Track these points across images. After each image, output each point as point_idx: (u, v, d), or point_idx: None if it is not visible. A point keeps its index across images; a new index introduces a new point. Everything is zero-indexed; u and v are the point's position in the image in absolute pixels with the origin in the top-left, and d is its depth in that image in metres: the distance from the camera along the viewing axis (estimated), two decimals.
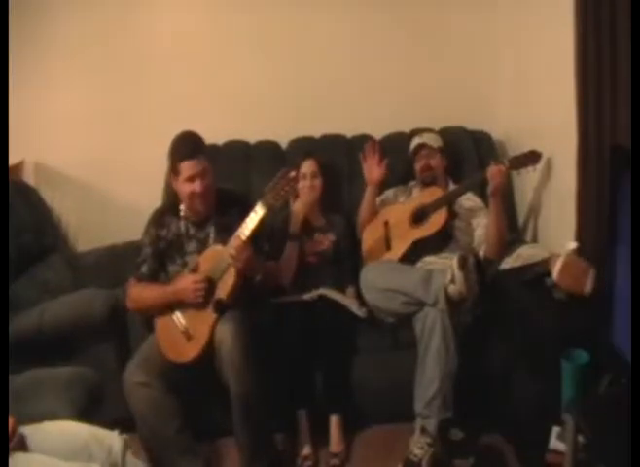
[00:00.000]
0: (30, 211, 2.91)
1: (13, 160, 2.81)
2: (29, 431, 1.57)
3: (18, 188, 2.90)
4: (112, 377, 2.20)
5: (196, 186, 2.23)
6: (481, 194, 2.75)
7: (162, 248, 2.35)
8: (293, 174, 2.20)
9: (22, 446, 1.53)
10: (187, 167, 2.22)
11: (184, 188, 2.25)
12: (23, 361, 2.02)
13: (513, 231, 2.92)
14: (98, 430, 1.66)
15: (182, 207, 2.36)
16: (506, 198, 2.66)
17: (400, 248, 2.67)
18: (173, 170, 2.27)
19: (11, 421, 1.50)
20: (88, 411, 1.91)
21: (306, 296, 2.61)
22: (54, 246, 3.03)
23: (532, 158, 2.56)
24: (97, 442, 1.61)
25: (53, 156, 3.19)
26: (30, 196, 3.00)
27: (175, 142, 2.28)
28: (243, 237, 2.17)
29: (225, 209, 2.34)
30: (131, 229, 2.73)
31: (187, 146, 2.26)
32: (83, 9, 3.04)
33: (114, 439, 1.65)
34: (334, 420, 2.38)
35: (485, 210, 2.69)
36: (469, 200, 2.75)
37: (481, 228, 2.66)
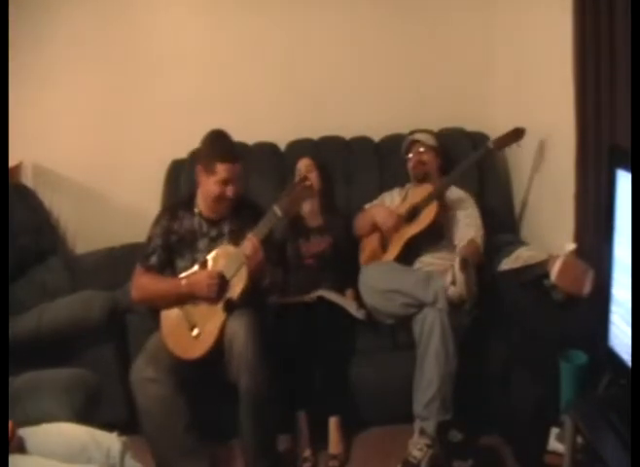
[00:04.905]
0: (28, 213, 2.90)
1: (11, 162, 2.80)
2: (28, 433, 1.57)
3: (17, 190, 2.90)
4: (111, 378, 2.20)
5: (228, 191, 2.23)
6: (471, 184, 2.81)
7: (173, 241, 2.33)
8: (309, 183, 2.23)
9: (21, 448, 1.52)
10: (225, 170, 2.21)
11: (214, 188, 2.24)
12: (22, 363, 2.00)
13: (511, 232, 2.93)
14: (97, 432, 1.66)
15: (197, 204, 2.35)
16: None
17: (395, 248, 2.67)
18: (206, 167, 2.24)
19: (10, 424, 1.50)
20: (87, 413, 1.90)
21: (305, 297, 2.61)
22: (53, 248, 3.03)
23: (515, 135, 2.63)
24: (96, 444, 1.61)
25: (52, 158, 3.18)
26: (28, 198, 2.99)
27: (215, 140, 2.27)
28: (259, 238, 2.18)
29: (239, 211, 2.35)
30: (130, 231, 2.73)
31: (229, 149, 2.26)
32: (82, 10, 3.05)
33: (112, 441, 1.65)
34: (333, 422, 2.39)
35: (469, 200, 2.72)
36: (452, 194, 2.75)
37: (464, 218, 2.66)
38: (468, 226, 2.64)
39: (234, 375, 2.11)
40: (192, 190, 2.41)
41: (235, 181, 2.24)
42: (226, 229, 2.33)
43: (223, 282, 2.20)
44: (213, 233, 2.33)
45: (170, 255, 2.34)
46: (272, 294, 2.53)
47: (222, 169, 2.21)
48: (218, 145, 2.26)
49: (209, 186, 2.25)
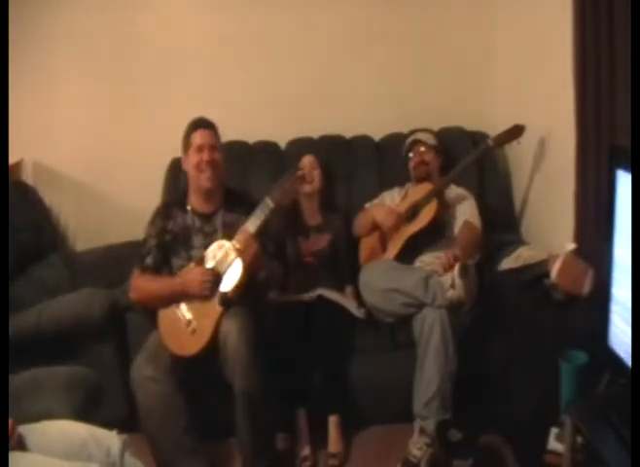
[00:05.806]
0: (28, 211, 2.91)
1: (11, 159, 2.81)
2: (28, 431, 1.57)
3: (17, 187, 2.90)
4: (111, 376, 2.20)
5: (205, 155, 2.26)
6: (471, 183, 2.82)
7: (168, 240, 2.34)
8: (300, 173, 2.23)
9: (21, 445, 1.52)
10: (198, 136, 2.28)
11: (192, 159, 2.28)
12: (22, 361, 2.00)
13: (511, 231, 2.93)
14: (97, 430, 1.66)
15: (189, 201, 2.36)
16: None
17: (395, 247, 2.67)
18: (185, 146, 2.31)
19: (10, 421, 1.50)
20: (87, 410, 1.90)
21: (305, 296, 2.61)
22: (53, 246, 3.03)
23: (515, 131, 2.64)
24: (96, 442, 1.61)
25: (52, 155, 3.19)
26: (29, 195, 3.00)
27: (191, 121, 2.35)
28: (250, 231, 2.18)
29: (232, 206, 2.36)
30: (130, 228, 2.73)
31: (202, 120, 2.33)
32: (82, 10, 3.05)
33: (112, 439, 1.65)
34: (332, 420, 2.39)
35: (469, 196, 2.72)
36: (452, 192, 2.75)
37: (462, 215, 2.66)
38: (464, 212, 2.65)
39: (229, 374, 2.11)
40: (184, 188, 2.43)
41: (211, 147, 2.29)
42: (218, 222, 2.33)
43: (217, 278, 2.20)
44: (207, 228, 2.33)
45: (166, 254, 2.35)
46: (271, 289, 2.53)
47: (196, 137, 2.29)
48: (192, 122, 2.35)
49: (189, 159, 2.30)
